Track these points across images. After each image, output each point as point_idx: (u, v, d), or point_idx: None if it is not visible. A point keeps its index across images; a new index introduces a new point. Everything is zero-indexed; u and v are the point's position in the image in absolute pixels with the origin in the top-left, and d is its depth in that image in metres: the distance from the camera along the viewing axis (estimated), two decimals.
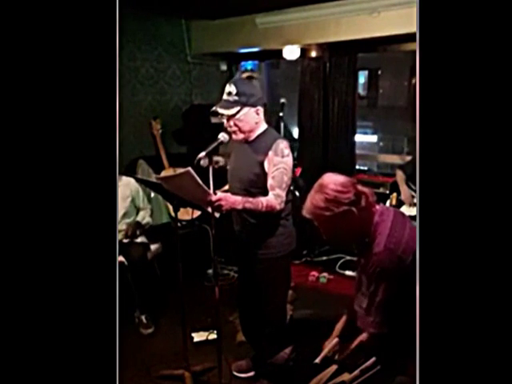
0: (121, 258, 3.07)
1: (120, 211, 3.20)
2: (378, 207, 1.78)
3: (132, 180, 3.30)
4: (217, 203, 1.99)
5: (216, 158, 2.18)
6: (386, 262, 1.66)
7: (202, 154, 2.06)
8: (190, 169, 1.91)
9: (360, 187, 1.73)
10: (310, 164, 4.35)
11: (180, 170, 2.02)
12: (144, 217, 3.31)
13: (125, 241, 3.18)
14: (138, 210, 3.34)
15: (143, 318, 3.11)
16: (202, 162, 2.07)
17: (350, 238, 1.82)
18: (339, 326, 1.93)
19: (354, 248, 1.90)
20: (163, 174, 3.83)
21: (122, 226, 3.20)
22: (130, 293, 3.06)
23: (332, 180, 1.72)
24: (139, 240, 3.30)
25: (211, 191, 2.01)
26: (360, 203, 1.69)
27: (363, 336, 1.75)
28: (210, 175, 2.05)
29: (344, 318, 1.94)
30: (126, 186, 3.26)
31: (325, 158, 4.28)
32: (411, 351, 1.13)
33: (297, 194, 3.69)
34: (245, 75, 3.63)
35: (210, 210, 2.10)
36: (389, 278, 1.67)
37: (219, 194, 2.02)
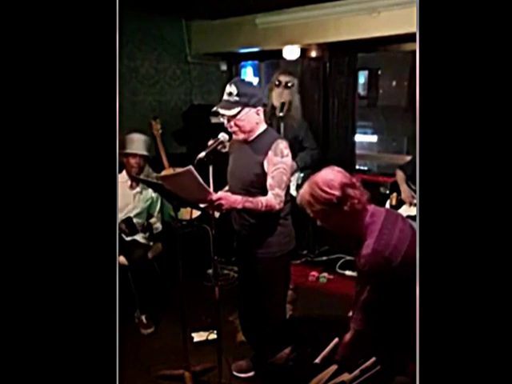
0: (121, 259, 3.09)
1: (136, 209, 3.32)
2: (369, 208, 1.79)
3: None
4: (217, 202, 1.99)
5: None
6: (373, 264, 1.68)
7: (202, 154, 2.07)
8: (191, 167, 1.91)
9: (350, 191, 1.72)
10: None
11: (180, 170, 2.02)
12: (156, 222, 3.43)
13: (127, 239, 3.23)
14: (148, 216, 3.43)
15: (143, 318, 3.12)
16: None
17: (340, 233, 1.86)
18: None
19: (352, 247, 1.91)
20: (163, 173, 3.83)
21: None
22: (130, 293, 3.06)
23: (323, 178, 1.75)
24: (140, 240, 3.32)
25: (211, 190, 2.01)
26: (341, 208, 1.71)
27: (349, 333, 1.78)
28: (210, 175, 2.06)
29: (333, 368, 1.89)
30: (150, 191, 3.37)
31: (325, 158, 4.27)
32: (411, 351, 1.13)
33: (294, 194, 3.69)
34: (284, 80, 3.62)
35: (209, 209, 2.11)
36: (375, 278, 1.69)
37: (219, 193, 2.03)
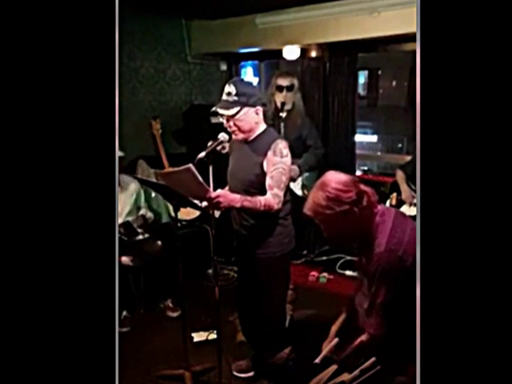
0: (124, 259, 3.13)
1: (126, 208, 3.33)
2: (379, 207, 1.78)
3: (134, 179, 3.43)
4: (215, 200, 1.99)
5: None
6: (387, 263, 1.65)
7: (202, 154, 2.07)
8: (190, 165, 1.92)
9: (362, 186, 1.73)
10: None
11: (180, 168, 2.02)
12: (146, 212, 3.46)
13: (140, 237, 3.31)
14: (138, 208, 3.45)
15: (169, 302, 3.31)
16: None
17: (351, 237, 1.82)
18: (335, 327, 1.92)
19: (355, 247, 1.90)
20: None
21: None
22: (130, 292, 3.09)
23: (334, 178, 1.73)
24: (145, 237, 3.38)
25: (211, 189, 2.02)
26: (361, 203, 1.69)
27: (364, 336, 1.75)
28: (210, 175, 2.06)
29: (341, 318, 1.94)
30: (131, 185, 3.39)
31: (325, 158, 4.28)
32: (411, 352, 1.13)
33: (299, 194, 3.68)
34: (285, 84, 3.61)
35: (209, 209, 2.11)
36: (390, 279, 1.67)
37: (218, 191, 2.03)
